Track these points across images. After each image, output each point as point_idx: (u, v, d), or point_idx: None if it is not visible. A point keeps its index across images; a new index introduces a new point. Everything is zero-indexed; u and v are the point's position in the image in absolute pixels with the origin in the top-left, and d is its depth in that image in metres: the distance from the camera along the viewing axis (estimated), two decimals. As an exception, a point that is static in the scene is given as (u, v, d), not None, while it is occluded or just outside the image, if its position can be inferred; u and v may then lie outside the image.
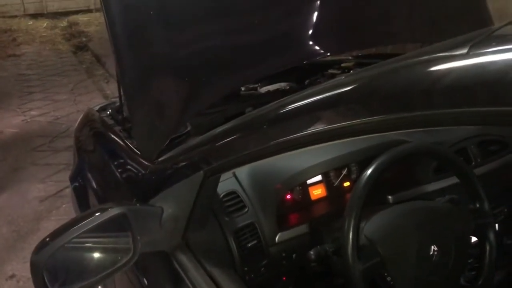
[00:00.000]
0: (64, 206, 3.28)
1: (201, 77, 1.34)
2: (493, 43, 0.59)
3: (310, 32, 1.48)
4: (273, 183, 1.31)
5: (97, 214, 0.99)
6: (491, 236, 1.21)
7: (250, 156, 0.93)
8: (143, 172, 1.35)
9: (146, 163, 1.34)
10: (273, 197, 1.30)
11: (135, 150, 1.47)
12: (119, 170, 1.53)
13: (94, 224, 0.98)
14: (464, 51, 0.58)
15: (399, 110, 0.62)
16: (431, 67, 0.61)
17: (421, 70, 0.61)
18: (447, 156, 1.23)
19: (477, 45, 0.58)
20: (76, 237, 0.98)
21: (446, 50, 0.61)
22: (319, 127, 0.77)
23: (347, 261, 1.02)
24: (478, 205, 1.22)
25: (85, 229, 0.98)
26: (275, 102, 0.91)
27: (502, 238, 1.57)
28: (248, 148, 0.92)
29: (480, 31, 0.65)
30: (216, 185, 1.10)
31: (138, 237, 1.01)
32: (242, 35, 1.42)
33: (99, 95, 5.65)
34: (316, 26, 1.48)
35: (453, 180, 1.34)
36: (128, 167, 1.49)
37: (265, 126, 0.89)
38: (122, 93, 1.49)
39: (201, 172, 1.01)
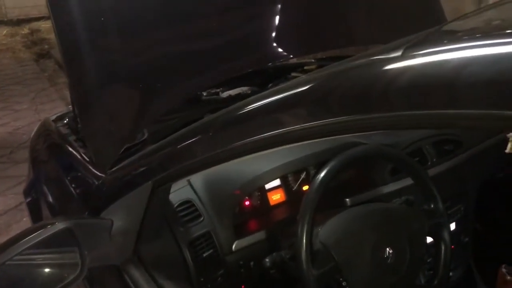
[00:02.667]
0: (24, 219, 3.17)
1: (156, 83, 1.31)
2: (428, 45, 0.59)
3: (272, 35, 1.47)
4: (230, 189, 1.29)
5: (41, 230, 0.95)
6: (446, 236, 1.22)
7: (199, 164, 0.91)
8: (96, 183, 1.31)
9: (100, 173, 1.30)
10: (230, 204, 1.28)
11: (89, 160, 1.43)
12: (72, 182, 1.48)
13: (38, 240, 0.94)
14: (399, 53, 0.57)
15: (332, 115, 0.61)
16: (367, 70, 0.60)
17: (355, 74, 0.61)
18: (399, 157, 1.24)
19: (412, 47, 0.58)
20: (19, 253, 0.93)
21: (383, 53, 0.61)
22: (268, 132, 0.76)
23: (301, 267, 1.01)
24: (432, 206, 1.22)
25: (28, 245, 0.93)
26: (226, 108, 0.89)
27: (459, 236, 1.60)
28: (196, 156, 0.90)
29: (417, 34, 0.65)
30: (167, 195, 1.07)
31: (86, 252, 0.98)
32: (200, 40, 1.40)
33: (62, 103, 5.50)
34: (277, 29, 1.47)
35: (410, 181, 1.35)
36: (82, 178, 1.44)
37: (210, 133, 0.87)
38: (74, 101, 1.44)
39: (150, 182, 0.98)
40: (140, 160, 1.07)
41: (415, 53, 0.56)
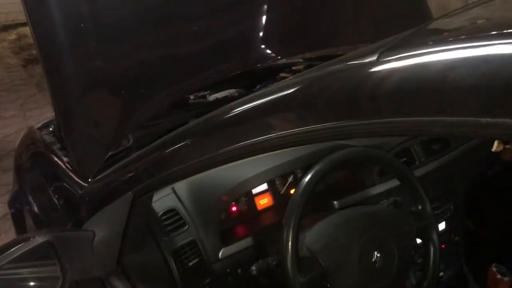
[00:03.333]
0: (13, 229, 3.12)
1: (140, 89, 1.29)
2: (403, 49, 0.58)
3: (259, 36, 1.46)
4: (216, 195, 1.27)
5: (20, 244, 0.93)
6: (434, 237, 1.21)
7: (181, 173, 0.89)
8: (79, 193, 1.29)
9: (82, 183, 1.27)
10: (216, 211, 1.26)
11: (72, 169, 1.40)
12: (56, 192, 1.46)
13: (17, 254, 0.92)
14: (374, 58, 0.56)
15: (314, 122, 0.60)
16: (343, 76, 0.59)
17: (329, 80, 0.59)
18: (385, 159, 1.22)
19: (387, 51, 0.56)
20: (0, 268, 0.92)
21: (358, 58, 0.59)
22: (251, 139, 0.74)
23: (287, 274, 0.99)
24: (420, 207, 1.21)
25: (7, 260, 0.92)
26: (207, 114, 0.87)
27: (450, 235, 1.59)
28: (178, 164, 0.88)
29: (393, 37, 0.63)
30: (149, 205, 1.05)
31: (67, 266, 0.96)
32: (185, 44, 1.38)
33: (51, 109, 5.40)
34: (264, 30, 1.46)
35: (398, 181, 1.34)
36: (66, 188, 1.41)
37: (191, 141, 0.85)
38: (56, 109, 1.42)
39: (130, 192, 0.96)
40: (122, 168, 1.05)
41: (389, 57, 0.54)
